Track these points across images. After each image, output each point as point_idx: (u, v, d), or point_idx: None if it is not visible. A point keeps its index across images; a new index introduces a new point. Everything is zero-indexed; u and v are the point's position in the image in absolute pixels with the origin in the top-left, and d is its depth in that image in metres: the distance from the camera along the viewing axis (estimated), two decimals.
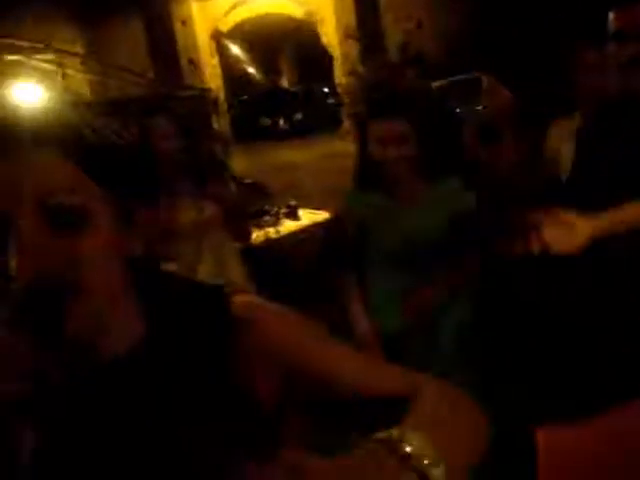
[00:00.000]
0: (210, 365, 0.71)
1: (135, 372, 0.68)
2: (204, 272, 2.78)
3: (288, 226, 4.64)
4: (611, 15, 2.06)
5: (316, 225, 4.66)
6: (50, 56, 6.50)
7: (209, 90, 11.64)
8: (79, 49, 11.24)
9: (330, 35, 13.90)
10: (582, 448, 1.59)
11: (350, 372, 0.78)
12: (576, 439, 1.62)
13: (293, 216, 4.80)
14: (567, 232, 1.67)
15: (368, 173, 2.24)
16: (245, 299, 0.77)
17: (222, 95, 14.08)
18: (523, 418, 2.04)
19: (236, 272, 2.90)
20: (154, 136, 2.64)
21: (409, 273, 2.20)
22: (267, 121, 19.55)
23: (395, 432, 0.63)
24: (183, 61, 13.67)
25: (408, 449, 0.62)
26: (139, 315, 0.72)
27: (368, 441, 0.62)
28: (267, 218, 4.71)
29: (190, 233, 2.70)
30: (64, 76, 6.72)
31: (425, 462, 0.61)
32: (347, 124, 13.72)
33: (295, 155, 11.63)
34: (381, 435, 0.63)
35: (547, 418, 1.71)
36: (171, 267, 2.52)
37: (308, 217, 4.83)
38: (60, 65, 6.58)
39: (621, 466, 1.54)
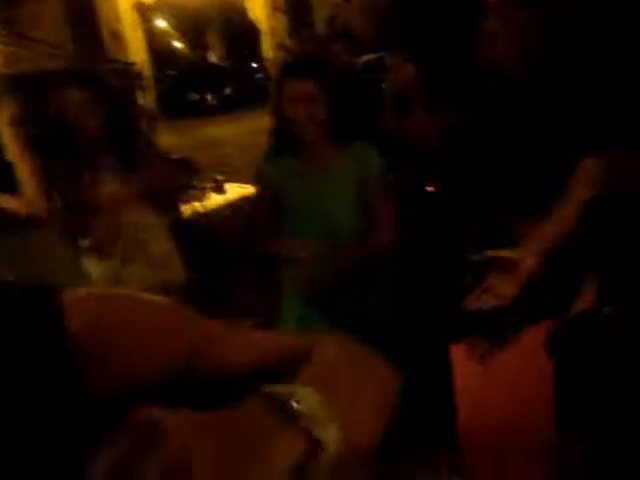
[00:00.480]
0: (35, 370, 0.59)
1: None
2: (124, 249, 2.66)
3: (215, 200, 4.61)
4: None
5: (243, 199, 4.61)
6: None
7: (132, 64, 11.31)
8: None
9: (257, 9, 13.68)
10: None
11: (231, 347, 0.68)
12: None
13: (219, 190, 4.76)
14: (510, 276, 1.72)
15: (282, 136, 2.22)
16: (77, 296, 0.67)
17: (148, 70, 13.69)
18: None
19: (161, 247, 2.79)
20: (69, 111, 2.48)
21: (322, 236, 2.17)
22: (195, 96, 19.21)
23: (282, 387, 0.54)
24: (105, 34, 13.19)
25: (295, 406, 0.52)
26: None
27: (251, 396, 0.53)
28: (193, 192, 4.64)
29: (110, 207, 2.57)
30: None
31: (315, 422, 0.52)
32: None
33: (224, 130, 11.45)
34: (266, 390, 0.53)
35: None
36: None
37: (235, 191, 4.80)
38: None
39: None
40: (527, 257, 1.76)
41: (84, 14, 12.70)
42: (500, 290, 1.75)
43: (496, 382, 1.71)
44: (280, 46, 13.39)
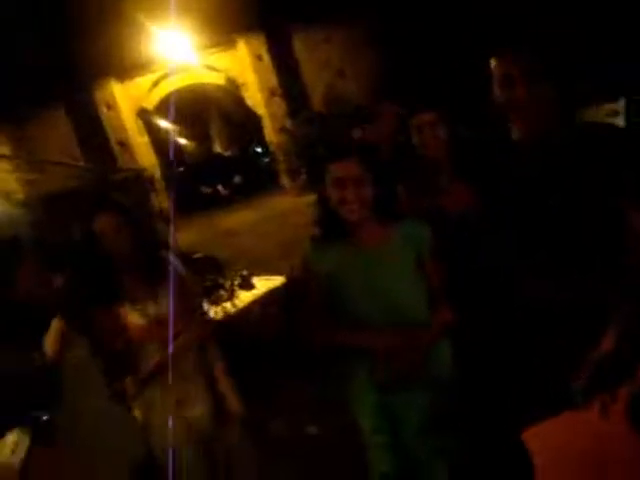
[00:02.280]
0: None
1: None
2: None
3: (244, 297, 4.54)
4: (494, 61, 2.13)
5: (273, 291, 4.61)
6: None
7: (143, 170, 11.60)
8: (5, 150, 11.09)
9: (254, 97, 14.04)
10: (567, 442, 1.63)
11: None
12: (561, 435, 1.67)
13: (248, 286, 4.73)
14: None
15: (329, 222, 2.25)
16: None
17: (158, 172, 14.02)
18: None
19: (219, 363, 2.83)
20: (104, 234, 2.55)
21: (390, 321, 2.20)
22: (207, 189, 19.53)
23: None
24: (113, 144, 13.60)
25: None
26: None
27: None
28: (222, 293, 4.58)
29: (152, 334, 2.61)
30: None
31: None
32: (285, 181, 13.80)
33: (239, 219, 11.60)
34: None
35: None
36: None
37: (263, 284, 4.77)
38: None
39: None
40: None
41: (92, 130, 13.15)
42: None
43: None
44: (282, 129, 13.68)
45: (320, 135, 11.33)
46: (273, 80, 13.61)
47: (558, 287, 2.10)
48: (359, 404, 2.36)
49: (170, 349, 2.63)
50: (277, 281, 4.79)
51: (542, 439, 1.74)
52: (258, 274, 5.10)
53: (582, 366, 1.91)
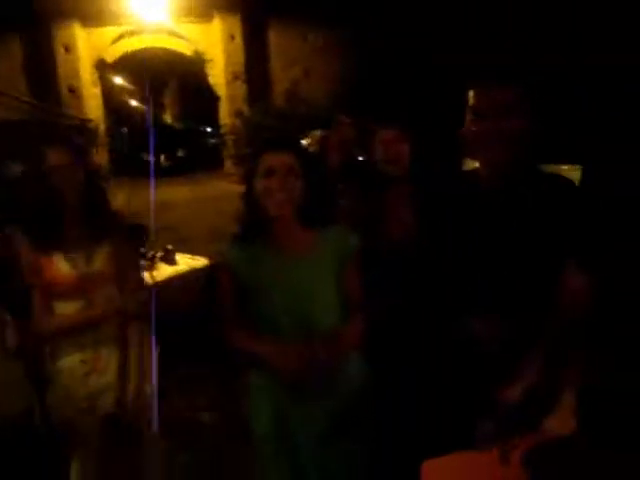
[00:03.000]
0: None
1: None
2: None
3: (164, 271, 4.41)
4: (471, 93, 2.12)
5: (194, 271, 4.49)
6: None
7: (90, 121, 11.27)
8: None
9: (217, 76, 13.88)
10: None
11: None
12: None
13: (170, 261, 4.59)
14: None
15: (251, 219, 2.17)
16: None
17: (102, 127, 13.64)
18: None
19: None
20: (54, 170, 2.38)
21: (303, 329, 2.13)
22: (148, 156, 19.15)
23: None
24: (63, 88, 13.15)
25: None
26: None
27: None
28: (142, 262, 4.40)
29: (77, 289, 2.46)
30: None
31: None
32: (229, 165, 13.64)
33: (175, 194, 11.39)
34: None
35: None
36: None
37: (185, 262, 4.65)
38: None
39: None
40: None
41: (44, 67, 12.68)
42: None
43: None
44: (238, 114, 13.54)
45: (272, 128, 11.25)
46: (240, 63, 13.48)
47: (499, 327, 2.08)
48: (254, 411, 2.29)
49: (92, 311, 2.49)
50: (200, 262, 4.67)
51: (438, 472, 1.72)
52: (182, 252, 4.97)
53: (492, 409, 1.90)
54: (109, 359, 2.52)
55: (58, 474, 2.78)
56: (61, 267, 2.41)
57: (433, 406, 2.37)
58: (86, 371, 2.49)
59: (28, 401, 2.55)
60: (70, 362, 2.47)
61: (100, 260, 2.45)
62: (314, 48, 12.80)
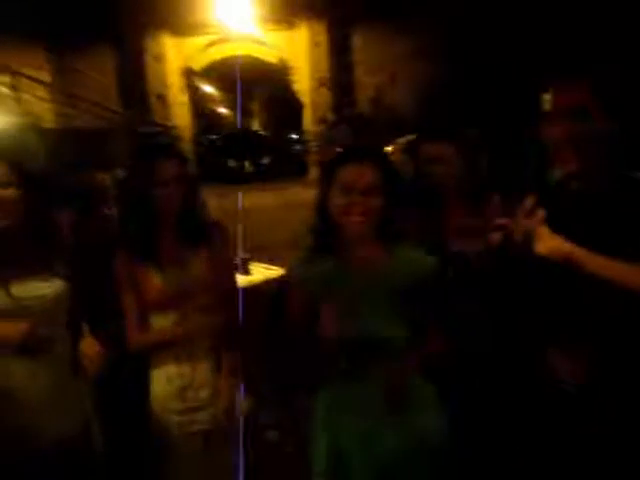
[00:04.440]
0: None
1: None
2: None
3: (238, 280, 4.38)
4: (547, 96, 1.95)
5: (268, 282, 4.42)
6: (5, 79, 6.21)
7: (172, 127, 11.44)
8: (45, 76, 10.94)
9: (302, 83, 13.89)
10: None
11: None
12: None
13: (244, 271, 4.54)
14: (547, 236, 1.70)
15: (325, 234, 2.04)
16: None
17: (189, 134, 13.87)
18: None
19: None
20: (162, 183, 2.32)
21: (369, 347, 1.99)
22: (233, 163, 19.43)
23: None
24: (152, 97, 13.45)
25: None
26: None
27: None
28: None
29: (172, 302, 2.40)
30: (19, 101, 6.44)
31: None
32: (313, 172, 13.61)
33: (257, 200, 11.41)
34: None
35: None
36: None
37: (260, 272, 4.59)
38: (15, 89, 6.29)
39: None
40: None
41: (134, 77, 13.00)
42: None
43: None
44: (322, 120, 13.51)
45: (357, 136, 11.15)
46: (325, 70, 13.44)
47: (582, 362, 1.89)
48: (314, 441, 2.15)
49: (187, 325, 2.41)
50: (275, 272, 4.59)
51: None
52: (259, 260, 4.91)
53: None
54: (205, 374, 2.45)
55: None
56: (155, 279, 2.35)
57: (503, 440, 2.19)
58: (183, 385, 2.43)
59: (86, 423, 2.48)
60: (166, 372, 2.42)
61: (196, 269, 2.38)
62: (400, 54, 12.59)
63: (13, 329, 2.11)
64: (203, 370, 2.48)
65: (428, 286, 2.03)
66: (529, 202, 1.79)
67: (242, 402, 2.59)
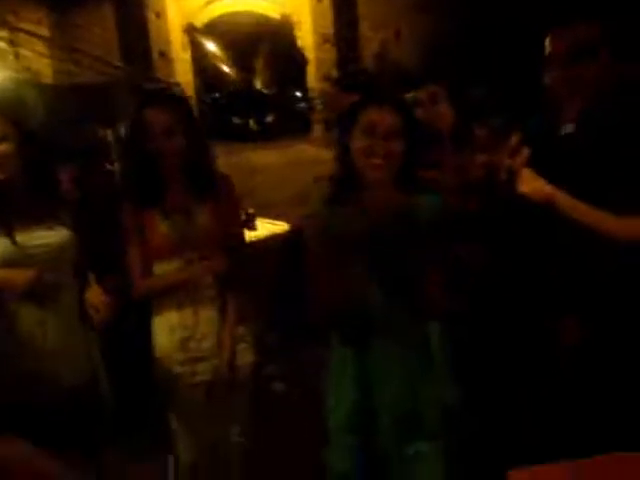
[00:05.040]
0: None
1: None
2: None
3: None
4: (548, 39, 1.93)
5: (274, 237, 4.42)
6: (3, 33, 6.12)
7: (178, 84, 11.34)
8: (44, 31, 10.78)
9: (306, 39, 13.71)
10: None
11: None
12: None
13: (250, 226, 4.54)
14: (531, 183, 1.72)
15: (345, 179, 2.04)
16: None
17: (192, 91, 13.76)
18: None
19: None
20: (155, 132, 2.32)
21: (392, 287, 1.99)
22: (237, 120, 19.32)
23: None
24: (154, 54, 13.32)
25: None
26: None
27: None
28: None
29: (176, 249, 2.41)
30: (18, 56, 6.37)
31: None
32: (318, 129, 13.51)
33: (262, 158, 11.38)
34: None
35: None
36: None
37: (266, 228, 4.59)
38: (13, 44, 6.21)
39: None
40: None
41: (135, 33, 12.86)
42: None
43: None
44: (327, 77, 13.37)
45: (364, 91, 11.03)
46: (328, 26, 13.25)
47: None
48: (334, 398, 2.15)
49: (190, 271, 2.41)
50: (280, 227, 4.59)
51: None
52: (265, 216, 4.91)
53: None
54: (208, 325, 2.46)
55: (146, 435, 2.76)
56: (161, 227, 2.35)
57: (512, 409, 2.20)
58: (186, 335, 2.44)
59: (93, 371, 2.50)
60: (169, 321, 2.43)
61: (202, 218, 2.38)
62: (404, 8, 12.38)
63: (19, 275, 2.15)
64: (206, 320, 2.49)
65: (440, 230, 2.03)
66: (514, 140, 1.79)
67: (246, 355, 2.60)
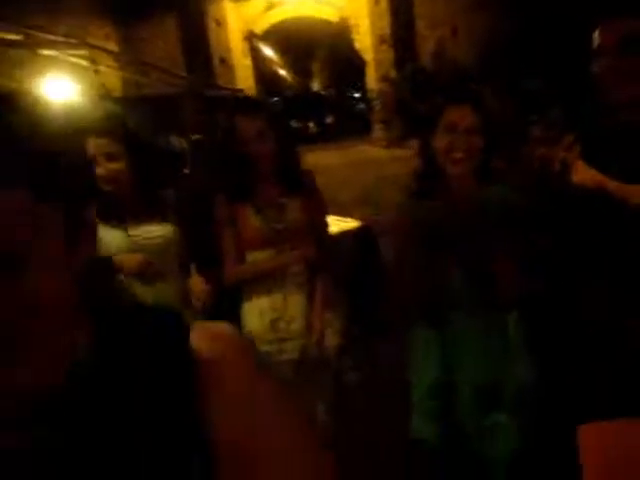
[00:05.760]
0: (161, 397, 0.62)
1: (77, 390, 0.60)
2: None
3: None
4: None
5: (345, 233, 4.54)
6: (83, 52, 6.46)
7: (241, 90, 11.60)
8: (112, 46, 11.24)
9: (364, 41, 13.83)
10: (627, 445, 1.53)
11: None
12: (621, 436, 1.57)
13: None
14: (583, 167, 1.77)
15: (428, 175, 2.17)
16: (203, 332, 0.68)
17: (254, 96, 14.03)
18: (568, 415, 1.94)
19: None
20: (245, 139, 2.52)
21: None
22: (297, 124, 19.54)
23: None
24: (215, 61, 13.66)
25: None
26: (86, 333, 0.63)
27: None
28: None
29: (267, 241, 2.59)
30: (97, 72, 6.70)
31: None
32: (377, 130, 13.62)
33: (323, 159, 11.50)
34: None
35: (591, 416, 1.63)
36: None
37: (335, 224, 4.70)
38: (93, 61, 6.55)
39: None
40: None
41: (197, 42, 13.21)
42: None
43: None
44: (385, 78, 13.46)
45: (422, 90, 11.09)
46: (385, 27, 13.34)
47: None
48: (419, 365, 2.29)
49: (279, 259, 2.61)
50: (350, 224, 4.71)
51: (598, 437, 1.64)
52: (333, 214, 5.04)
53: None
54: (297, 308, 2.64)
55: None
56: (253, 220, 2.56)
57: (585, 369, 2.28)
58: (275, 317, 2.63)
59: None
60: (259, 305, 2.63)
61: (293, 212, 2.57)
62: (460, 7, 12.38)
63: (133, 259, 2.46)
64: (295, 303, 2.65)
65: (516, 218, 2.14)
66: (568, 139, 1.89)
67: (332, 336, 2.73)
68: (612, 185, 1.83)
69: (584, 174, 1.85)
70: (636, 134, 1.96)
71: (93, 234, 0.67)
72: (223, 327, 0.70)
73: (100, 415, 0.59)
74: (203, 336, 0.66)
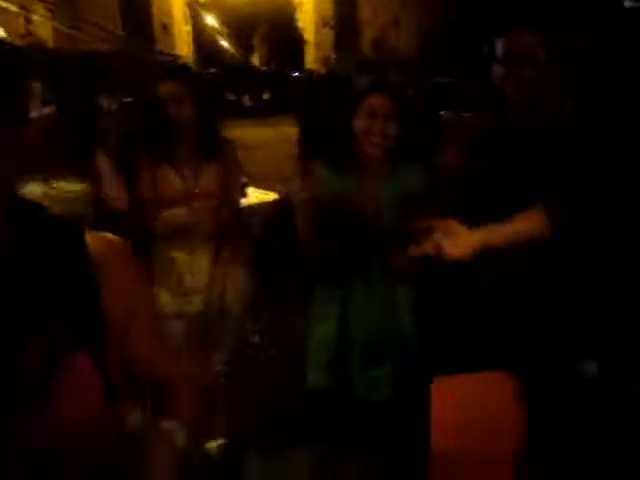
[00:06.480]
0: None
1: None
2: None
3: None
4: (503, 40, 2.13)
5: (262, 206, 4.64)
6: None
7: (179, 57, 11.47)
8: None
9: (305, 22, 13.85)
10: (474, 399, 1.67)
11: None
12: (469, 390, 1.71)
13: (241, 193, 4.75)
14: (455, 240, 1.73)
15: (345, 152, 2.30)
16: (94, 234, 0.81)
17: (191, 64, 13.88)
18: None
19: None
20: (168, 102, 2.58)
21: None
22: (231, 96, 19.31)
23: None
24: (156, 25, 13.42)
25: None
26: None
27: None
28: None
29: (183, 201, 2.66)
30: (28, 20, 6.52)
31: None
32: None
33: (256, 134, 11.50)
34: None
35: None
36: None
37: (255, 196, 4.79)
38: (23, 8, 6.34)
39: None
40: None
41: (138, 4, 12.93)
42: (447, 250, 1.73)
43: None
44: (324, 60, 13.51)
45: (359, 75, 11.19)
46: (329, 10, 13.39)
47: None
48: (315, 335, 2.44)
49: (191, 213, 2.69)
50: (270, 197, 4.82)
51: (446, 390, 1.75)
52: (255, 187, 5.11)
53: None
54: (202, 262, 2.73)
55: None
56: (171, 179, 2.63)
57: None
58: (181, 270, 2.72)
59: None
60: (167, 258, 2.71)
61: (206, 178, 2.65)
62: None
63: None
64: (201, 258, 2.76)
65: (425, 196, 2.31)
66: (423, 226, 1.77)
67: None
68: (480, 243, 1.78)
69: (454, 249, 1.74)
70: (522, 137, 2.12)
71: None
72: (109, 234, 0.85)
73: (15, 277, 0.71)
74: (94, 236, 0.80)
